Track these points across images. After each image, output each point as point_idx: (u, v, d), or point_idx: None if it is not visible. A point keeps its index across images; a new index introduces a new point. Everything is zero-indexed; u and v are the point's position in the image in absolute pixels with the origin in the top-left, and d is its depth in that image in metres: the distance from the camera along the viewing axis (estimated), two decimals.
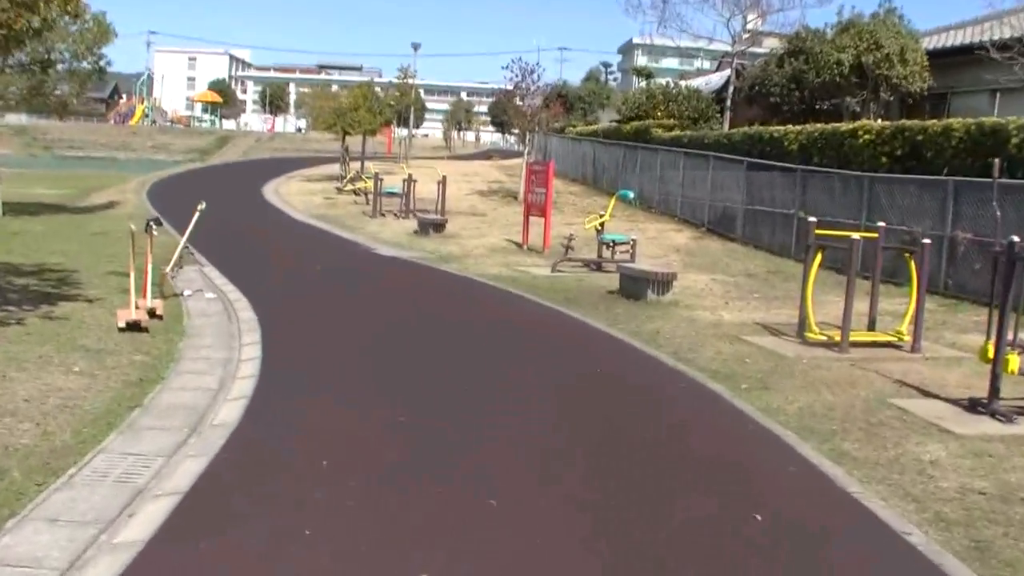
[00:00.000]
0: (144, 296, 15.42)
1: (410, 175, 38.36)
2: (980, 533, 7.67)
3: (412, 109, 76.50)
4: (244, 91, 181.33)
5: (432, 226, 31.56)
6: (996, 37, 30.20)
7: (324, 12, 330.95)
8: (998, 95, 31.36)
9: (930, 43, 37.06)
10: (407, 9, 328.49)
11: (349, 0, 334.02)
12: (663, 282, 19.45)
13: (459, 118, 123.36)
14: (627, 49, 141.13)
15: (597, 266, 24.22)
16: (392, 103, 66.63)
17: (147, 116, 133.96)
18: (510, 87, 44.19)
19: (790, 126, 30.72)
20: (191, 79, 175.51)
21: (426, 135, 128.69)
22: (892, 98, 35.39)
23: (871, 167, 24.79)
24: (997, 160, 14.40)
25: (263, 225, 34.40)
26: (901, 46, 34.49)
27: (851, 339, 15.13)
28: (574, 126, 62.20)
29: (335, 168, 55.97)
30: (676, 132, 40.79)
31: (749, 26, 46.51)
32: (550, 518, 7.62)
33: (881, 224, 17.06)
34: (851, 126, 27.20)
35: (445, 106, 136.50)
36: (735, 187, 31.11)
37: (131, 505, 7.60)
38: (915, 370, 13.81)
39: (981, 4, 71.23)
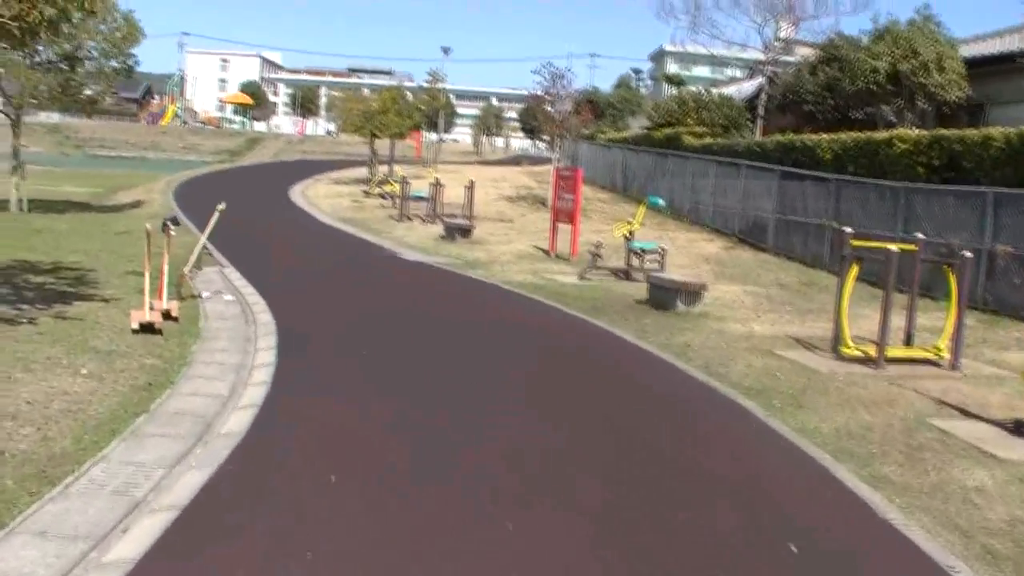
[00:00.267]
0: (160, 297, 15.06)
1: (437, 179, 37.96)
2: None
3: (442, 113, 76.13)
4: (275, 93, 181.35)
5: (459, 231, 31.15)
6: None
7: (356, 16, 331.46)
8: None
9: (968, 51, 36.33)
10: (439, 14, 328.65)
11: (381, 4, 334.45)
12: (693, 293, 18.95)
13: (489, 123, 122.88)
14: (658, 56, 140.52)
15: (625, 275, 23.71)
16: (421, 107, 66.30)
17: (178, 117, 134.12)
18: (540, 92, 43.68)
19: (823, 134, 30.12)
20: (223, 81, 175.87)
21: (456, 140, 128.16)
22: (928, 107, 34.73)
23: (907, 177, 24.19)
24: None
25: (288, 227, 34.06)
26: (938, 54, 33.82)
27: (887, 355, 14.58)
28: (604, 132, 61.68)
29: (364, 171, 55.69)
30: (707, 140, 40.22)
31: (782, 33, 45.86)
32: (568, 537, 7.21)
33: (919, 236, 16.50)
34: (886, 135, 26.60)
35: (475, 111, 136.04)
36: (767, 196, 30.55)
37: (126, 519, 7.21)
38: (955, 389, 13.28)
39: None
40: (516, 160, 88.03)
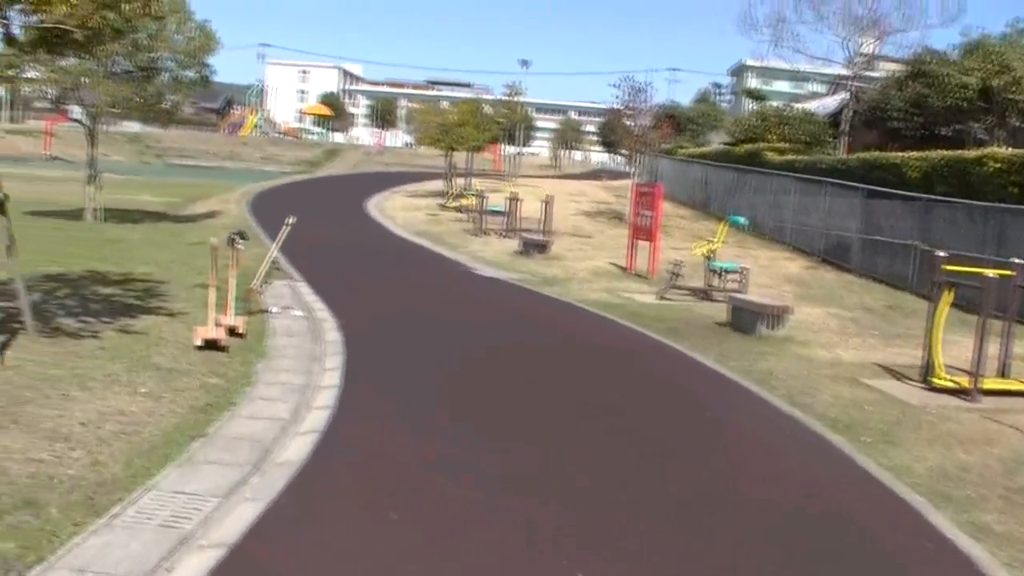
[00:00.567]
0: (226, 313, 14.70)
1: (515, 193, 37.53)
2: None
3: (520, 127, 75.80)
4: (355, 105, 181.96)
5: (535, 247, 30.69)
6: None
7: (436, 29, 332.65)
8: None
9: None
10: (519, 27, 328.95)
11: (461, 17, 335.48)
12: (777, 316, 18.29)
13: (567, 137, 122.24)
14: (738, 71, 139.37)
15: (705, 295, 23.08)
16: (500, 120, 65.99)
17: (258, 127, 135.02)
18: (619, 106, 43.15)
19: (911, 152, 29.34)
20: (302, 92, 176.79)
21: (534, 153, 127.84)
22: (1021, 125, 33.77)
23: (999, 198, 23.37)
24: None
25: (362, 240, 33.78)
26: None
27: (983, 386, 13.86)
28: (684, 147, 61.00)
29: (441, 184, 55.45)
30: (790, 156, 39.45)
31: (867, 48, 44.99)
32: None
33: (1016, 261, 15.73)
34: (977, 153, 25.80)
35: (554, 124, 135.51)
36: (851, 215, 29.79)
37: (171, 557, 6.77)
38: None
39: None
40: (595, 174, 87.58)
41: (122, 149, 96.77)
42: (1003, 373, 14.75)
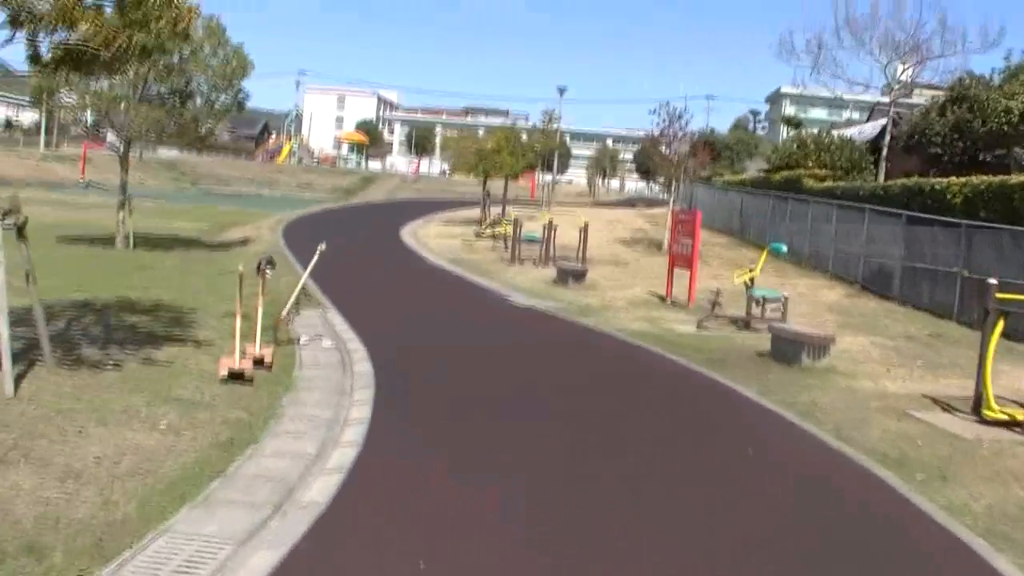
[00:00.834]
0: (253, 343, 14.30)
1: (551, 221, 37.11)
2: None
3: (556, 154, 75.49)
4: (391, 132, 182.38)
5: (572, 275, 30.20)
6: None
7: (473, 56, 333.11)
8: None
9: None
10: (556, 54, 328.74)
11: (498, 45, 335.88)
12: (820, 346, 17.72)
13: (604, 164, 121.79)
14: (775, 98, 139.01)
15: (745, 324, 22.51)
16: (536, 147, 65.67)
17: (294, 154, 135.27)
18: (656, 132, 42.73)
19: (953, 178, 28.72)
20: (339, 119, 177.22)
21: (570, 181, 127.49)
22: None
23: None
24: None
25: (395, 268, 33.42)
26: None
27: None
28: (721, 175, 60.55)
29: (477, 212, 55.12)
30: (829, 183, 38.89)
31: (907, 73, 44.43)
32: None
33: None
34: (1021, 179, 25.18)
35: (590, 152, 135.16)
36: (892, 242, 29.19)
37: None
38: None
39: None
40: (631, 202, 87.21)
41: (158, 175, 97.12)
42: None
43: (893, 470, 10.89)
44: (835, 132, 50.69)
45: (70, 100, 31.50)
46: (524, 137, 62.55)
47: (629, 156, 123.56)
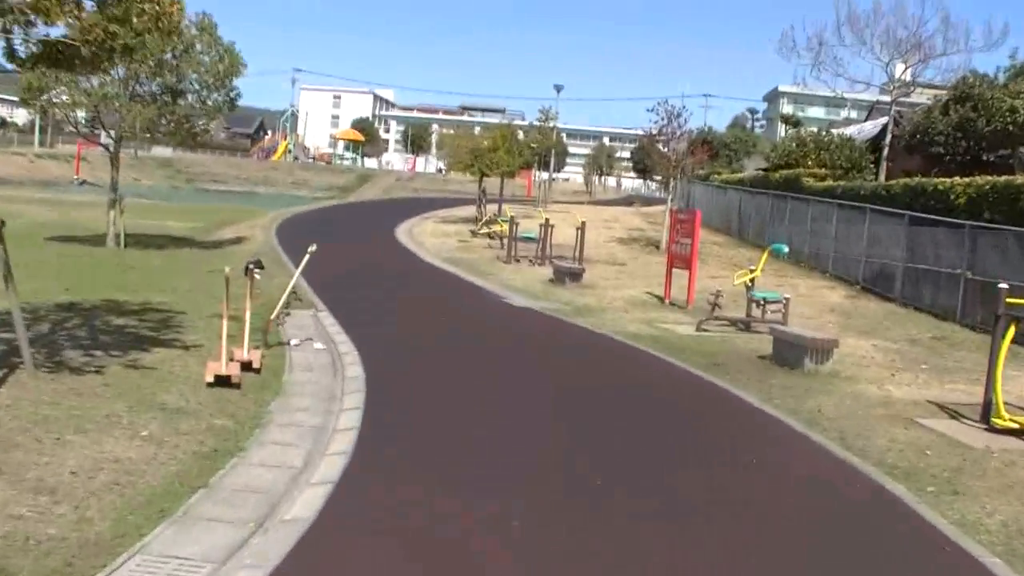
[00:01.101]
0: (241, 346, 13.90)
1: (547, 220, 36.73)
2: None
3: (553, 152, 75.13)
4: (387, 130, 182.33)
5: (568, 275, 29.82)
6: None
7: (469, 54, 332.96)
8: None
9: None
10: (552, 53, 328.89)
11: (494, 44, 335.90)
12: (823, 350, 17.30)
13: (601, 163, 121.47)
14: (772, 97, 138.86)
15: (746, 326, 22.11)
16: (532, 145, 65.29)
17: (290, 152, 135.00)
18: (655, 130, 42.33)
19: (957, 178, 28.30)
20: (335, 117, 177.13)
21: (567, 179, 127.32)
22: None
23: None
24: None
25: (390, 267, 32.99)
26: None
27: None
28: (719, 173, 60.13)
29: (472, 210, 54.75)
30: (829, 182, 38.47)
31: (909, 72, 44.03)
32: None
33: None
34: None
35: (587, 150, 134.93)
36: (894, 243, 28.80)
37: None
38: None
39: None
40: (628, 201, 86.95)
41: (153, 174, 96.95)
42: None
43: (902, 482, 10.46)
44: (835, 131, 50.32)
45: (60, 99, 31.12)
46: (520, 135, 62.20)
47: (626, 154, 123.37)
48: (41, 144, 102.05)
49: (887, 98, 44.68)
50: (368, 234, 45.27)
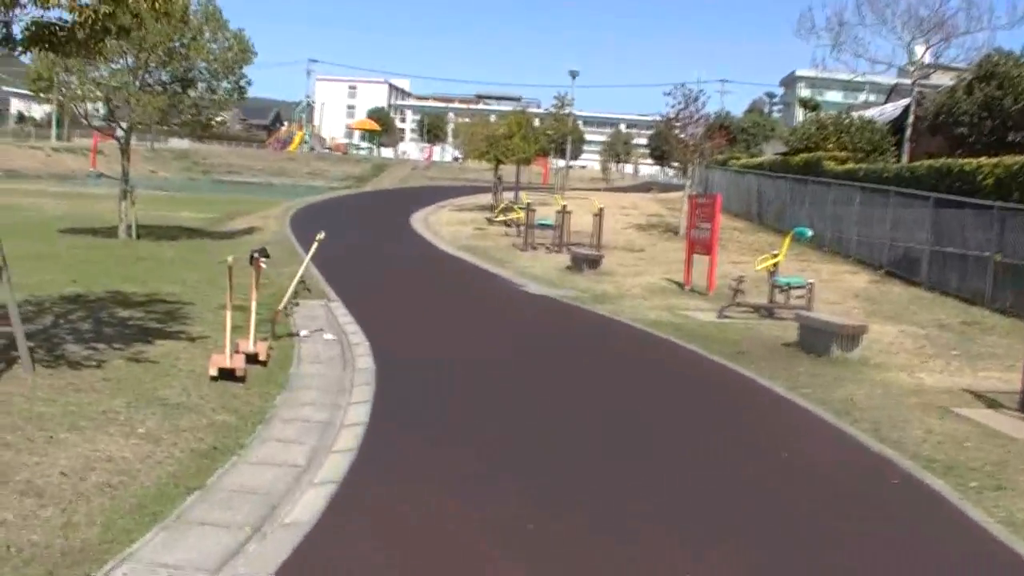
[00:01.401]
0: (247, 338, 13.41)
1: (564, 206, 36.20)
2: None
3: (569, 139, 74.62)
4: (403, 120, 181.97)
5: (586, 262, 29.28)
6: None
7: (484, 43, 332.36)
8: None
9: None
10: (568, 41, 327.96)
11: (509, 32, 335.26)
12: (852, 336, 16.73)
13: (617, 149, 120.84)
14: (789, 82, 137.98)
15: (769, 312, 21.53)
16: (548, 132, 64.79)
17: (306, 143, 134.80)
18: (672, 115, 41.71)
19: (983, 159, 27.60)
20: (351, 107, 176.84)
21: (584, 166, 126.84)
22: None
23: None
24: None
25: (405, 256, 32.50)
26: None
27: None
28: (737, 158, 59.49)
29: (488, 198, 54.30)
30: (851, 165, 37.78)
31: (931, 51, 43.29)
32: None
33: None
34: None
35: (603, 137, 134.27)
36: (919, 226, 28.14)
37: None
38: None
39: None
40: (646, 187, 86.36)
41: (169, 166, 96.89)
42: None
43: (942, 477, 9.88)
44: (855, 113, 49.62)
45: (70, 88, 30.71)
46: (536, 122, 61.74)
47: (643, 141, 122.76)
48: (58, 138, 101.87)
49: (907, 80, 43.96)
50: (384, 223, 44.83)
